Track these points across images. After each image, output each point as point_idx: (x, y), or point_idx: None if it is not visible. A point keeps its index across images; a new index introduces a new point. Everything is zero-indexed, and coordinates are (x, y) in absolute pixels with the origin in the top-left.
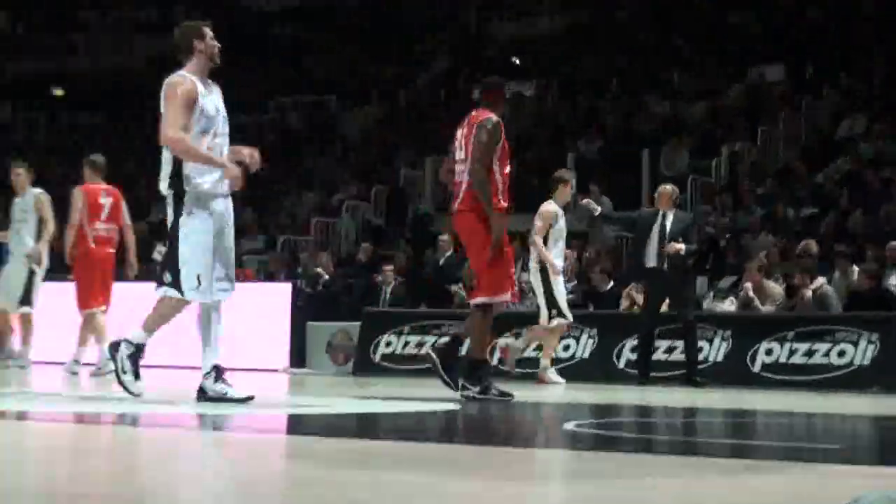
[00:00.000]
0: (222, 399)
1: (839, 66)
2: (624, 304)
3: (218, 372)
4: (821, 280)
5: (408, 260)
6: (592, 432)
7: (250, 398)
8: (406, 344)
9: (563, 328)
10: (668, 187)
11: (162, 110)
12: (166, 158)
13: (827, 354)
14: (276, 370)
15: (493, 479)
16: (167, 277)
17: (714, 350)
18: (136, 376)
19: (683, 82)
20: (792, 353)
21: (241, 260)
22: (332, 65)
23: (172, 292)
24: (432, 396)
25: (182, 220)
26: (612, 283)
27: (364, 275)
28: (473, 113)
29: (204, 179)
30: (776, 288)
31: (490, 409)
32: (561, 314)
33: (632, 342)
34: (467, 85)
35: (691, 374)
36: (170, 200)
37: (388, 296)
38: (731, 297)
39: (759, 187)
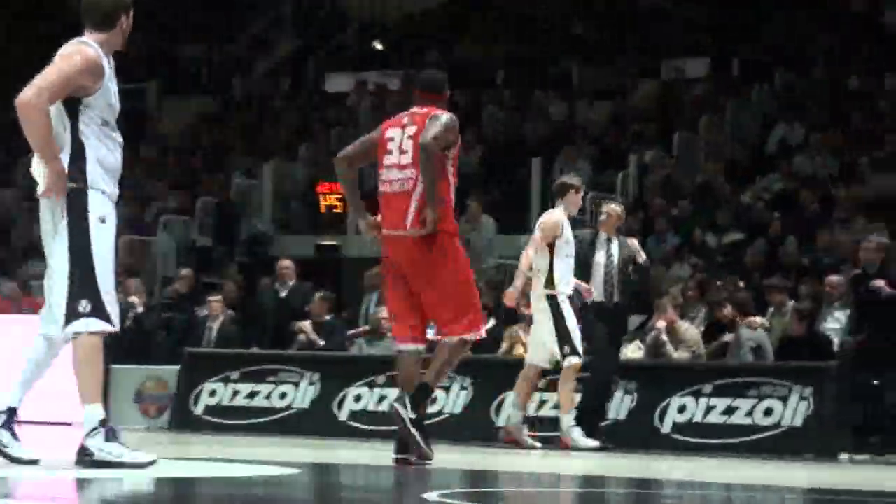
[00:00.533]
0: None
1: (773, 61)
2: (504, 346)
3: (11, 416)
4: (759, 320)
5: (239, 290)
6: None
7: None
8: (235, 393)
9: (577, 369)
10: (617, 208)
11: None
12: (60, 135)
13: (751, 413)
14: (69, 424)
15: None
16: (84, 306)
17: (615, 405)
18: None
19: (584, 78)
20: (709, 410)
21: (29, 286)
22: (149, 44)
23: (96, 324)
24: (266, 458)
25: (93, 224)
26: (492, 321)
27: (185, 307)
28: (415, 109)
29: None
30: (692, 330)
31: (340, 474)
32: (575, 352)
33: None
34: (318, 74)
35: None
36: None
37: (214, 334)
38: (638, 342)
39: (673, 208)
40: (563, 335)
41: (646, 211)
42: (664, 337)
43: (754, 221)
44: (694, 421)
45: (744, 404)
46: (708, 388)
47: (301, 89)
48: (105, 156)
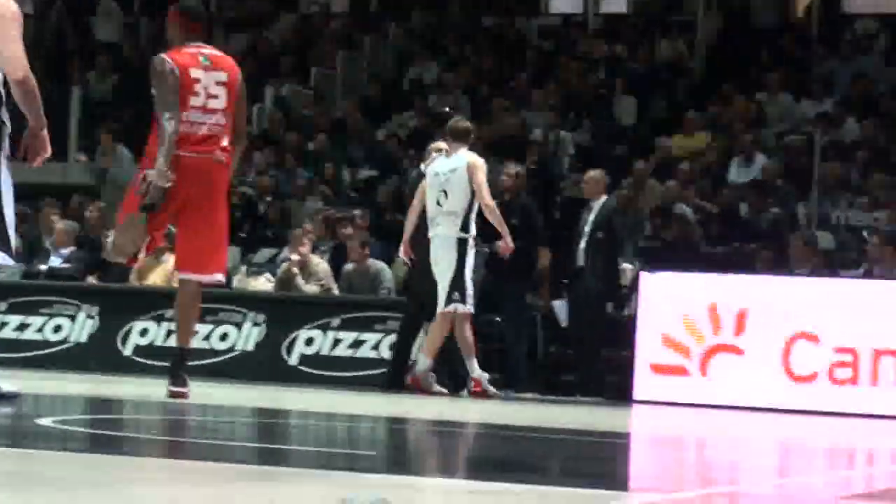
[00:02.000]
0: None
1: (410, 2)
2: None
3: None
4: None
5: None
6: (72, 430)
7: None
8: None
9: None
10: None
11: None
12: None
13: (377, 347)
14: None
15: None
16: None
17: (244, 338)
18: None
19: (223, 6)
20: (336, 343)
21: None
22: None
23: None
24: None
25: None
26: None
27: None
28: (210, 51)
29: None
30: (323, 265)
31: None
32: (464, 299)
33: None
34: None
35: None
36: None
37: None
38: (268, 274)
39: (309, 142)
40: (457, 282)
41: (280, 144)
42: (295, 270)
43: (388, 158)
44: (321, 354)
45: (371, 338)
46: (336, 322)
47: None
48: None
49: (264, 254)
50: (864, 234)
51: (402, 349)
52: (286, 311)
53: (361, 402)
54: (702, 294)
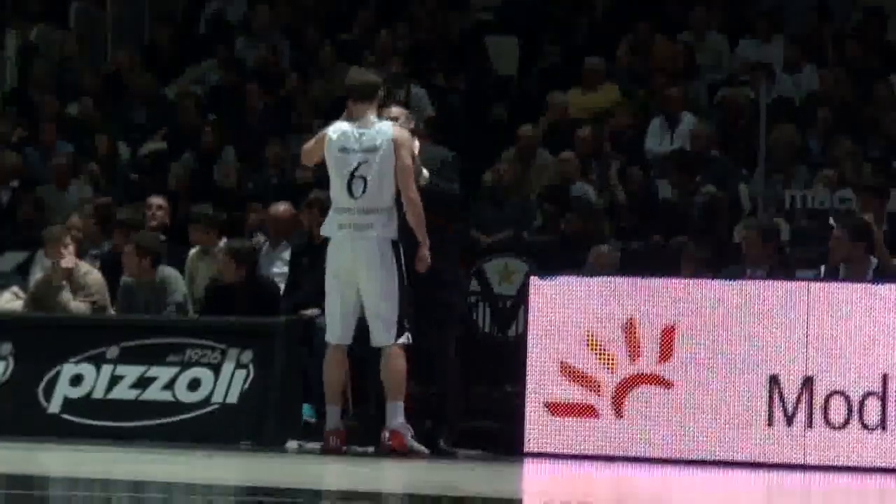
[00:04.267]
0: None
1: None
2: None
3: None
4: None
5: None
6: None
7: None
8: None
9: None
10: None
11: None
12: None
13: (171, 385)
14: None
15: None
16: None
17: None
18: None
19: None
20: (114, 382)
21: None
22: None
23: None
24: None
25: None
26: None
27: None
28: None
29: None
30: (94, 274)
31: None
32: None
33: None
34: None
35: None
36: None
37: None
38: (16, 288)
39: (70, 105)
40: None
41: (28, 109)
42: (58, 281)
43: (182, 126)
44: (93, 397)
45: (163, 373)
46: (113, 352)
47: None
48: None
49: (10, 260)
50: (831, 220)
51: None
52: (43, 339)
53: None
54: (613, 306)
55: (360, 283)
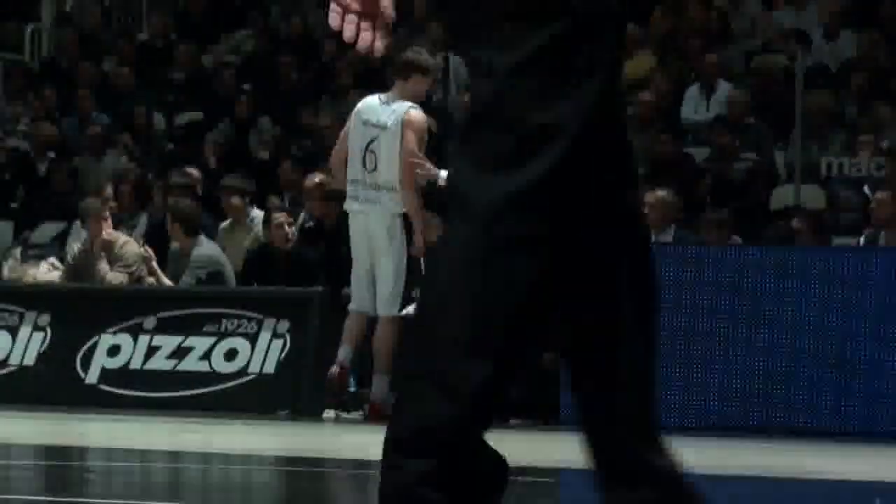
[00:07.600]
0: None
1: None
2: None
3: None
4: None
5: None
6: None
7: None
8: None
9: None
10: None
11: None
12: None
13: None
14: None
15: None
16: None
17: (21, 347)
18: None
19: None
20: (151, 352)
21: None
22: None
23: None
24: None
25: None
26: None
27: None
28: None
29: None
30: (131, 245)
31: None
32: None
33: None
34: None
35: None
36: None
37: None
38: (54, 259)
39: (106, 75)
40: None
41: (64, 79)
42: (96, 252)
43: (218, 96)
44: (131, 367)
45: (199, 343)
46: (150, 323)
47: None
48: None
49: (46, 231)
50: (865, 188)
51: None
52: (81, 310)
53: (194, 437)
54: None
55: (370, 254)
